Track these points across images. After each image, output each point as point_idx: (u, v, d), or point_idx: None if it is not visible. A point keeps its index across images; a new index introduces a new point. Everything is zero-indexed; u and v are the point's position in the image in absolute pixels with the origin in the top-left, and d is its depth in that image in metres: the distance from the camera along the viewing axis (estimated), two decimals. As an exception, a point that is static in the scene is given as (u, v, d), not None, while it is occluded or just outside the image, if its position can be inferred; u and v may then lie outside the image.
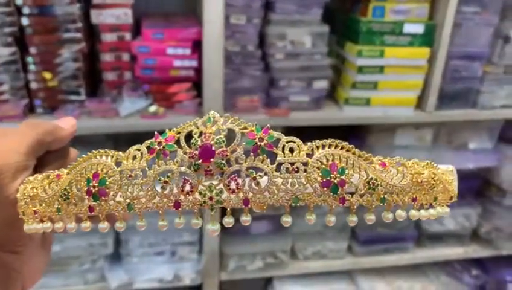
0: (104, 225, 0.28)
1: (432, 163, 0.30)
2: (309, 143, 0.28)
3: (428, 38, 1.09)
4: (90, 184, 0.27)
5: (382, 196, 0.28)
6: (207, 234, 0.28)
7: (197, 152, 0.26)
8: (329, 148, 0.28)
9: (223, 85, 1.02)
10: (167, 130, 0.28)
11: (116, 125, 1.02)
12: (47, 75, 1.01)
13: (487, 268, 1.46)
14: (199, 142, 0.27)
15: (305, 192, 0.27)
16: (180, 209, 0.27)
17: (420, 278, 1.44)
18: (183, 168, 0.27)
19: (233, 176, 0.27)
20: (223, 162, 0.27)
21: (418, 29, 1.07)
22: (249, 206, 0.27)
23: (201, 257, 1.21)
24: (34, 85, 1.01)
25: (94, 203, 0.28)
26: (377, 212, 0.29)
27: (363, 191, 0.28)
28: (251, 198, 0.27)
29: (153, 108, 1.04)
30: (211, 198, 0.27)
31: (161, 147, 0.27)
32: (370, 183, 0.28)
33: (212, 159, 0.26)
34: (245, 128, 0.27)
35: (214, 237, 1.16)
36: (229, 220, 0.27)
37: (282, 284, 1.34)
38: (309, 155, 0.28)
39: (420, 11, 1.08)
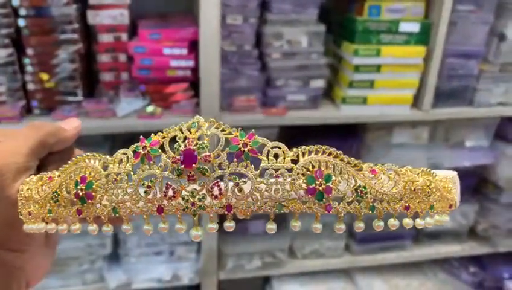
0: (93, 227, 0.28)
1: (429, 170, 0.29)
2: (294, 149, 0.27)
3: (424, 36, 1.09)
4: (78, 187, 0.28)
5: (371, 204, 0.27)
6: (193, 238, 0.28)
7: (179, 157, 0.26)
8: (315, 154, 0.27)
9: (219, 85, 1.03)
10: (152, 134, 0.28)
11: (113, 125, 1.02)
12: (44, 76, 1.01)
13: (484, 265, 1.46)
14: (182, 147, 0.26)
15: (290, 199, 0.27)
16: (163, 214, 0.27)
17: (418, 276, 1.45)
18: (166, 173, 0.26)
19: (216, 181, 0.26)
20: (206, 167, 0.26)
21: (414, 27, 1.08)
22: (232, 212, 0.27)
23: (200, 256, 1.22)
24: (31, 86, 1.01)
25: (81, 206, 0.28)
26: (373, 217, 0.28)
27: (350, 199, 0.27)
28: (234, 204, 0.27)
29: (150, 108, 1.04)
30: (193, 203, 0.26)
31: (145, 151, 0.27)
32: (358, 190, 0.27)
33: (194, 165, 0.26)
34: (230, 133, 0.27)
35: (212, 237, 1.16)
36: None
37: (280, 283, 1.35)
38: (295, 161, 0.27)
39: (416, 10, 1.08)
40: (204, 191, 0.26)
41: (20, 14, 0.95)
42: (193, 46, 1.05)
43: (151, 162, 0.27)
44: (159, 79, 1.07)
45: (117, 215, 0.27)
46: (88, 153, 0.29)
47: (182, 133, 0.27)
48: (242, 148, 0.26)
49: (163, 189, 0.26)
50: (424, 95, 1.14)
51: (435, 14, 1.08)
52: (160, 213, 0.27)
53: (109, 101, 1.05)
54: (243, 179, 0.27)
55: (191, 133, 0.27)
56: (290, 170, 0.27)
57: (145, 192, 0.27)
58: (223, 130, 0.27)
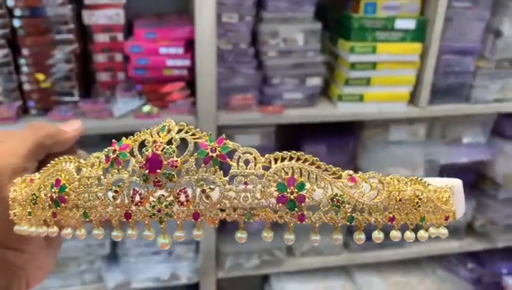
0: (67, 231, 0.28)
1: (419, 178, 0.27)
2: (267, 155, 0.26)
3: (420, 33, 1.09)
4: (52, 190, 0.27)
5: (349, 215, 0.25)
6: (160, 247, 0.28)
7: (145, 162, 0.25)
8: (289, 160, 0.26)
9: (216, 84, 1.03)
10: (123, 138, 0.27)
11: (110, 125, 1.02)
12: (40, 76, 1.01)
13: (483, 261, 1.46)
14: (149, 152, 0.25)
15: (260, 207, 0.25)
16: (130, 220, 0.26)
17: (416, 273, 1.45)
18: (134, 178, 0.26)
19: (183, 188, 0.25)
20: (173, 173, 0.25)
21: (410, 24, 1.08)
22: (199, 220, 0.26)
23: (198, 255, 1.22)
24: (27, 87, 1.01)
25: (56, 209, 0.27)
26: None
27: (326, 208, 0.25)
28: (201, 212, 0.25)
29: (146, 108, 1.04)
30: (159, 210, 0.26)
31: (115, 155, 0.26)
32: (334, 199, 0.25)
33: (159, 170, 0.25)
34: (200, 138, 0.26)
35: (210, 236, 1.16)
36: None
37: (279, 281, 1.35)
38: (267, 168, 0.25)
39: (411, 7, 1.08)
40: (171, 198, 0.25)
41: (15, 14, 0.95)
42: (189, 45, 1.05)
43: (120, 166, 0.26)
44: (155, 78, 1.07)
45: (87, 219, 0.27)
46: (65, 156, 0.29)
47: (152, 137, 0.26)
48: (210, 154, 0.25)
49: (131, 194, 0.26)
50: (420, 92, 1.14)
51: (430, 10, 1.08)
52: (128, 219, 0.26)
53: (106, 101, 1.05)
54: (210, 186, 0.25)
55: (160, 137, 0.26)
56: (260, 177, 0.25)
57: (113, 197, 0.26)
58: (193, 135, 0.26)
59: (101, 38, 1.03)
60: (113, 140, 0.28)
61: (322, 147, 1.22)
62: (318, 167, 0.26)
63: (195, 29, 0.97)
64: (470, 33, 1.13)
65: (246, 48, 1.07)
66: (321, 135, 1.21)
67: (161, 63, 1.04)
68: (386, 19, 1.07)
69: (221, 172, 0.26)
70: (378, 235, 0.27)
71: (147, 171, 0.25)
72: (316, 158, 0.26)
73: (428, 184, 0.28)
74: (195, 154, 0.25)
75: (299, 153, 0.26)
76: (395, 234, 0.27)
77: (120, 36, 1.03)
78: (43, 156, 0.34)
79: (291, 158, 0.26)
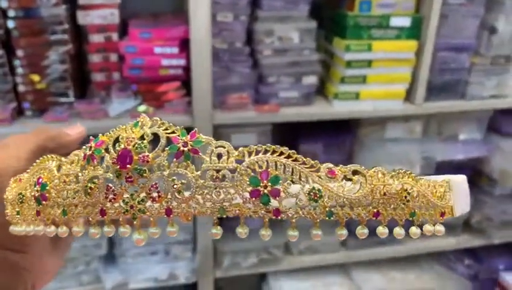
0: (50, 229, 0.28)
1: (409, 172, 0.26)
2: (241, 148, 0.25)
3: (415, 31, 1.09)
4: (35, 188, 0.27)
5: (328, 209, 0.24)
6: (135, 243, 0.27)
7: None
8: (264, 153, 0.25)
9: (211, 83, 1.02)
10: (100, 134, 0.27)
11: (105, 126, 1.02)
12: (35, 77, 1.00)
13: (480, 257, 1.47)
14: (121, 147, 0.25)
15: (233, 203, 0.25)
16: (105, 217, 0.26)
17: (414, 269, 1.46)
18: (107, 175, 0.25)
19: (154, 183, 0.25)
20: (144, 168, 0.25)
21: (405, 22, 1.08)
22: (172, 216, 0.25)
23: (195, 255, 1.22)
24: (22, 88, 1.01)
25: (38, 207, 0.27)
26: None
27: (303, 203, 0.24)
28: (174, 207, 0.25)
29: (142, 108, 1.04)
30: (132, 206, 0.25)
31: (91, 152, 0.26)
32: (311, 193, 0.24)
33: (129, 166, 0.25)
34: (173, 132, 0.25)
35: (207, 235, 1.16)
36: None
37: (277, 280, 1.35)
38: (241, 162, 0.25)
39: (406, 4, 1.08)
40: (144, 194, 0.25)
41: (9, 15, 0.95)
42: (184, 45, 1.05)
43: (96, 163, 0.26)
44: (150, 78, 1.06)
45: (65, 217, 0.27)
46: (48, 155, 0.29)
47: (126, 132, 0.26)
48: (182, 148, 0.25)
49: (105, 191, 0.25)
50: (416, 89, 1.14)
51: (425, 8, 1.08)
52: (103, 216, 0.26)
53: (101, 102, 1.04)
54: (182, 181, 0.25)
55: (133, 132, 0.25)
56: (233, 171, 0.25)
57: (88, 194, 0.26)
58: (165, 129, 0.25)
59: (96, 38, 1.02)
60: (91, 137, 0.27)
61: (318, 145, 1.22)
62: (295, 160, 0.25)
63: (190, 28, 0.97)
64: (465, 30, 1.13)
65: (241, 46, 1.07)
66: (318, 133, 1.21)
67: (156, 62, 1.04)
68: (381, 17, 1.07)
69: (194, 167, 0.25)
70: (361, 231, 0.26)
71: (118, 167, 0.25)
72: (293, 151, 0.25)
73: (420, 178, 0.27)
74: (167, 149, 0.25)
75: (274, 147, 0.25)
76: (381, 230, 0.26)
77: (115, 36, 1.03)
78: None
79: (266, 151, 0.25)
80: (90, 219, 0.26)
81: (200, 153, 0.25)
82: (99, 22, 1.01)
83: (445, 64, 1.15)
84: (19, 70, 0.99)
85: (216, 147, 0.25)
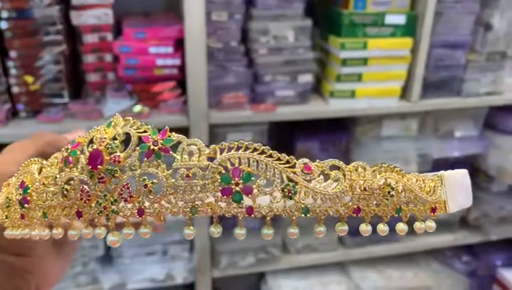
0: (35, 232, 0.27)
1: (393, 166, 0.25)
2: (212, 145, 0.25)
3: (410, 28, 1.09)
4: (18, 192, 0.27)
5: (304, 206, 0.24)
6: (109, 244, 0.27)
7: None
8: (236, 150, 0.24)
9: (207, 82, 1.02)
10: (77, 136, 0.27)
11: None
12: (29, 78, 1.00)
13: (477, 254, 1.47)
14: (93, 148, 0.25)
15: (206, 201, 0.24)
16: (82, 218, 0.25)
17: (412, 267, 1.46)
18: (82, 176, 0.25)
19: (125, 183, 0.25)
20: (116, 168, 0.24)
21: (400, 19, 1.08)
22: (144, 216, 0.25)
23: (193, 255, 1.21)
24: (16, 89, 1.00)
25: (22, 210, 0.27)
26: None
27: (278, 200, 0.24)
28: (146, 208, 0.25)
29: (137, 108, 1.03)
30: (105, 207, 0.25)
31: (67, 153, 0.26)
32: (285, 190, 0.24)
33: (100, 166, 0.24)
34: (145, 131, 0.25)
35: (204, 235, 1.16)
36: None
37: (275, 279, 1.35)
38: (212, 159, 0.24)
39: (401, 2, 1.08)
40: (117, 195, 0.25)
41: (2, 16, 0.94)
42: (179, 44, 1.04)
43: (72, 164, 0.26)
44: (145, 78, 1.06)
45: (46, 219, 0.26)
46: (33, 158, 0.29)
47: (100, 133, 0.26)
48: (152, 147, 0.24)
49: (79, 192, 0.25)
50: (412, 87, 1.14)
51: (420, 5, 1.08)
52: (80, 217, 0.25)
53: (96, 102, 1.04)
54: (153, 180, 0.24)
55: (106, 133, 0.25)
56: (204, 169, 0.24)
57: (65, 196, 0.25)
58: (137, 129, 0.25)
59: (90, 38, 1.02)
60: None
61: (315, 143, 1.21)
62: (270, 156, 0.24)
63: (184, 28, 0.97)
64: (460, 27, 1.13)
65: (236, 45, 1.07)
66: (314, 131, 1.21)
67: (151, 62, 1.04)
68: (376, 15, 1.07)
69: (165, 166, 0.25)
70: (341, 228, 0.25)
71: (90, 168, 0.25)
72: (267, 147, 0.24)
73: (405, 174, 0.26)
74: (138, 148, 0.25)
75: (247, 143, 0.24)
76: (364, 228, 0.25)
77: (109, 36, 1.02)
78: None
79: (238, 148, 0.24)
80: (68, 220, 0.26)
81: (170, 152, 0.25)
82: (93, 22, 1.00)
83: (440, 62, 1.15)
84: (13, 71, 0.99)
85: (187, 145, 0.25)
